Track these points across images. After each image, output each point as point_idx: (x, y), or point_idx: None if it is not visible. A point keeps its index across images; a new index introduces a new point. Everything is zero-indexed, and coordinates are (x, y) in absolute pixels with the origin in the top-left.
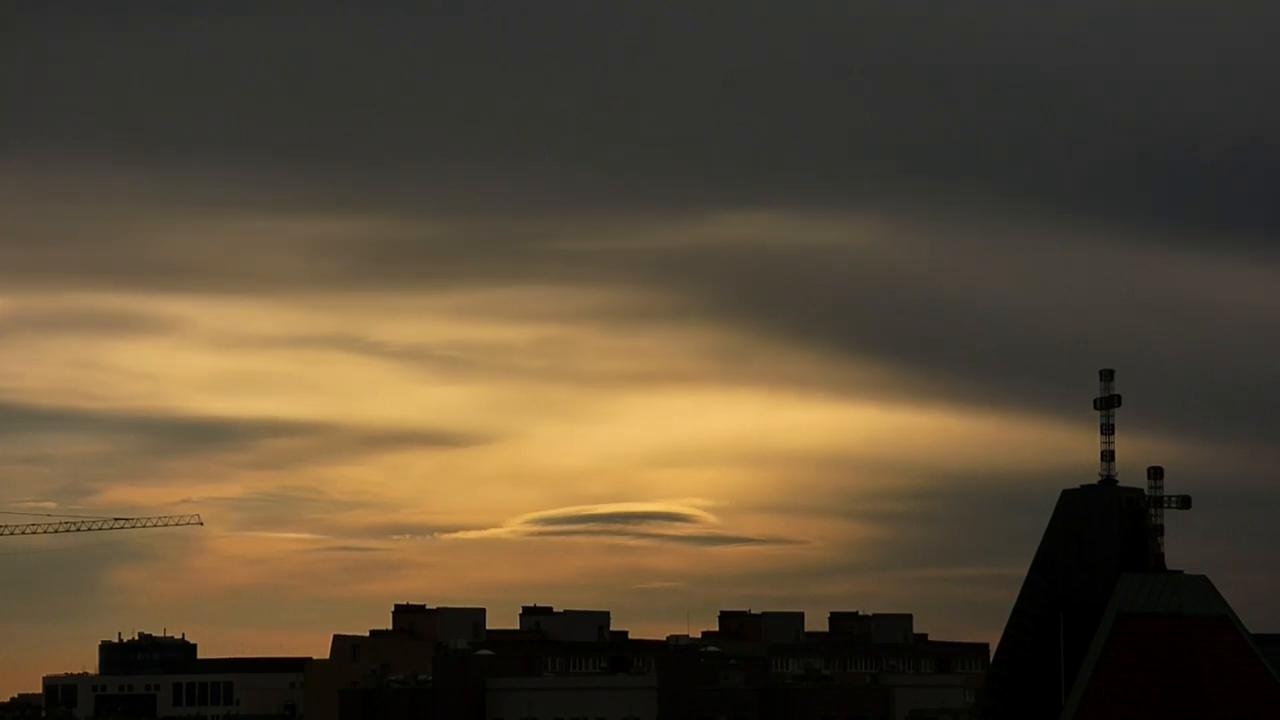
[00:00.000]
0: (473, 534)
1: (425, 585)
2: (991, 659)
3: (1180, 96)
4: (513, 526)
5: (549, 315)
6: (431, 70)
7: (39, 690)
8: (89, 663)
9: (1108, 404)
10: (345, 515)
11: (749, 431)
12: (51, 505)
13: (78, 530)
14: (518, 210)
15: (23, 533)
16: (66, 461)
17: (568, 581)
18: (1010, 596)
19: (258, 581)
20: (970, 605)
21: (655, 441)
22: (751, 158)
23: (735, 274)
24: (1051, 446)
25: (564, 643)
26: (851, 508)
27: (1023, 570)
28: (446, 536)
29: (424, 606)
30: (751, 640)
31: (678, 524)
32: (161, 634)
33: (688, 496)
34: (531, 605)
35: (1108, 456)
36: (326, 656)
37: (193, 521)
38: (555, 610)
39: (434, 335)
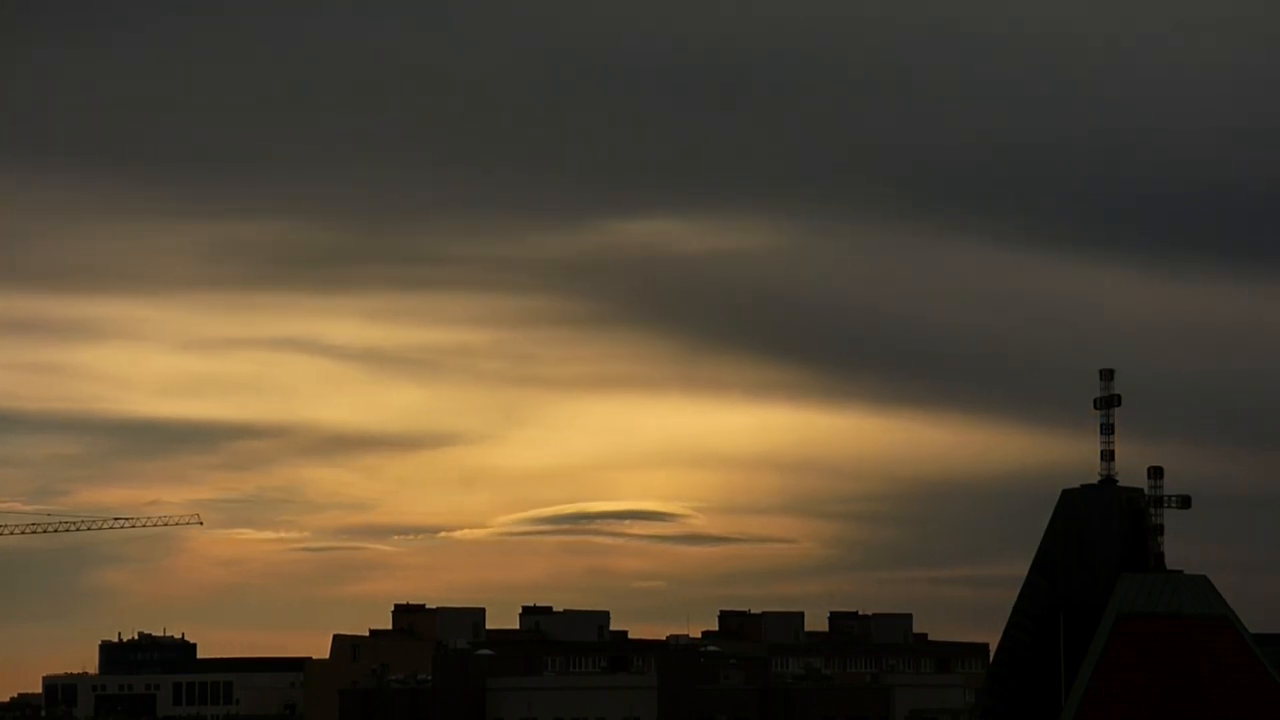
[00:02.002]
0: (457, 534)
1: (414, 585)
2: (991, 659)
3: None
4: (494, 526)
5: (469, 320)
6: (343, 75)
7: (39, 690)
8: (89, 662)
9: (1107, 404)
10: (324, 516)
11: (715, 432)
12: (21, 506)
13: (77, 530)
14: (430, 215)
15: (22, 532)
16: (34, 463)
17: (556, 581)
18: (1010, 596)
19: (244, 582)
20: (950, 606)
21: (610, 444)
22: (662, 164)
23: (652, 279)
24: (992, 446)
25: (564, 642)
26: (829, 508)
27: (1022, 570)
28: (434, 536)
29: (424, 606)
30: (751, 640)
31: (656, 523)
32: (161, 634)
33: (655, 499)
34: (531, 605)
35: (1107, 456)
36: (326, 656)
37: (193, 521)
38: (555, 610)
39: (358, 337)
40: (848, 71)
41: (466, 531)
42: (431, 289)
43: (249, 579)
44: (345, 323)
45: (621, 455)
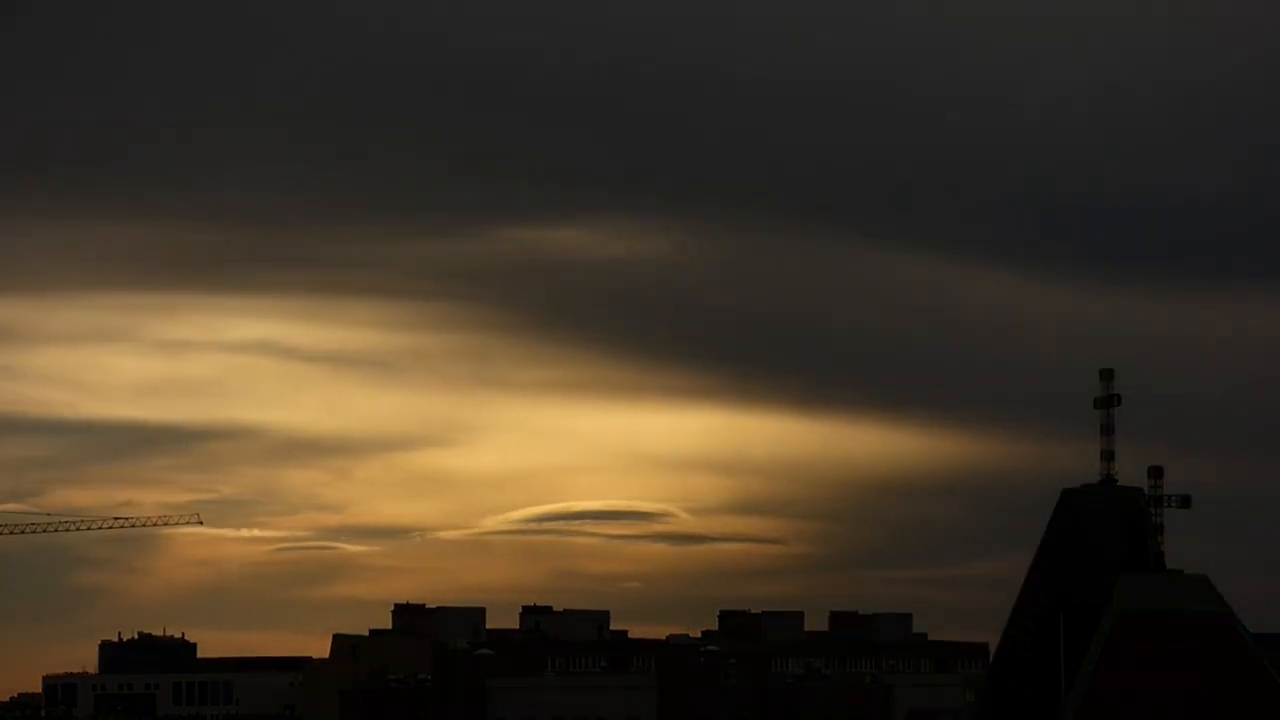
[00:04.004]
0: (435, 535)
1: (403, 586)
2: (991, 659)
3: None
4: (473, 527)
5: (424, 325)
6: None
7: (39, 690)
8: (89, 662)
9: (1107, 403)
10: (299, 518)
11: (678, 433)
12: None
13: (77, 529)
14: (324, 220)
15: (21, 532)
16: (3, 465)
17: (541, 582)
18: (1010, 596)
19: (227, 583)
20: (948, 606)
21: (570, 447)
22: (568, 170)
23: (581, 285)
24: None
25: (564, 642)
26: (808, 509)
27: (1021, 570)
28: (412, 538)
29: (424, 606)
30: (751, 640)
31: (632, 523)
32: (161, 633)
33: (623, 499)
34: (531, 604)
35: (1107, 456)
36: (323, 656)
37: (192, 521)
38: (555, 610)
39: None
40: (769, 78)
41: (445, 533)
42: (383, 295)
43: (232, 580)
44: (307, 326)
45: (585, 457)
